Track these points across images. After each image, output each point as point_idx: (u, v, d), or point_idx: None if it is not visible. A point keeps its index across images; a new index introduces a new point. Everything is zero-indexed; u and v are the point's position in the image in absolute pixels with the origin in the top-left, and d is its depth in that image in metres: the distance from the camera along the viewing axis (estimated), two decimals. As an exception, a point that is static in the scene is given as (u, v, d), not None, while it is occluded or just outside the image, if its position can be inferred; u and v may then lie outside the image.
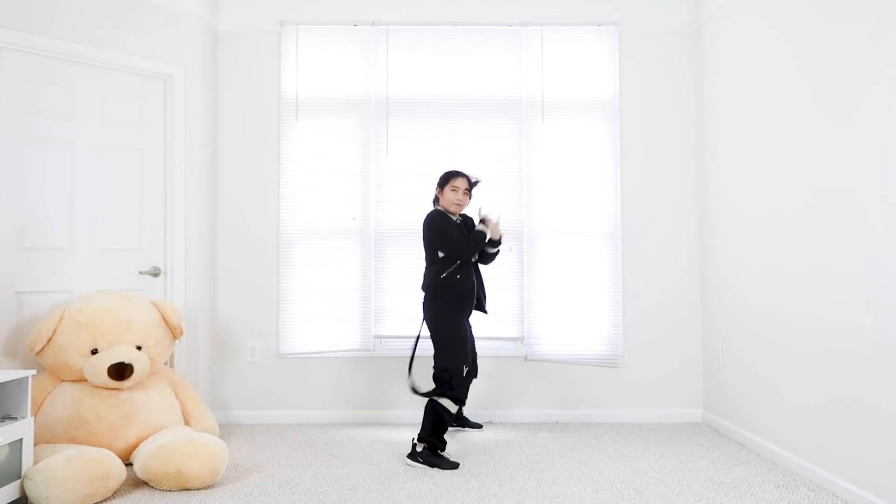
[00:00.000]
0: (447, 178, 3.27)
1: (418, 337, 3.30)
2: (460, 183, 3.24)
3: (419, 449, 3.08)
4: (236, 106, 3.98)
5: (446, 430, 3.11)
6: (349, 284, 3.92)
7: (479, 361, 3.52)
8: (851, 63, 2.53)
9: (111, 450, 2.78)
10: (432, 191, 3.34)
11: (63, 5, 3.22)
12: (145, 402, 2.97)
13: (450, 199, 3.24)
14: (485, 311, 3.34)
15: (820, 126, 2.72)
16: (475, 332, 3.38)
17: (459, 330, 3.15)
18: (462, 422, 3.65)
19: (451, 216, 3.25)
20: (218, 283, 3.94)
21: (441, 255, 3.18)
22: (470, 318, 3.28)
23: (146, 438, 2.90)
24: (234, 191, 3.97)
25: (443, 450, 3.10)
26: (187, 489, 2.68)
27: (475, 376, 3.33)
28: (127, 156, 3.46)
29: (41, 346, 2.86)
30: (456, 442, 3.44)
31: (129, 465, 2.85)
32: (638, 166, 3.98)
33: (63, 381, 2.95)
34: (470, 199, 3.30)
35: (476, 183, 3.31)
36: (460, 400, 3.12)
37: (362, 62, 3.99)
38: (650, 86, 4.00)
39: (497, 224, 3.26)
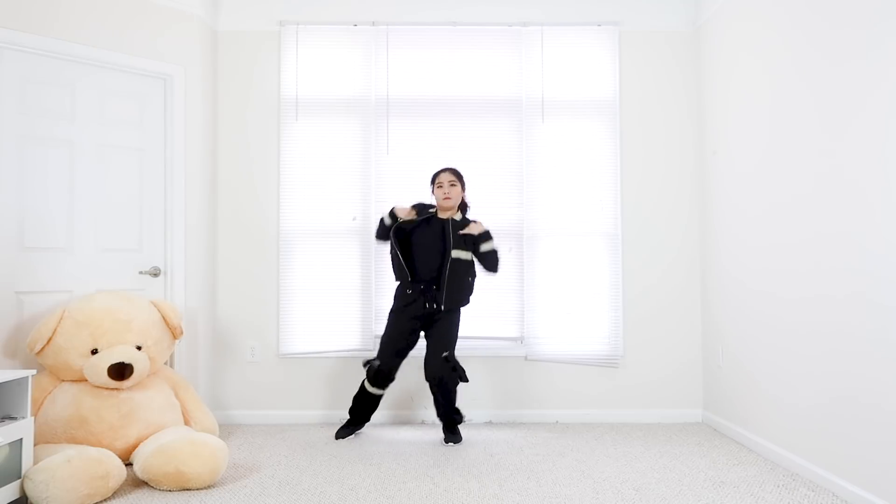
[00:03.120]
0: (432, 180, 3.52)
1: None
2: (443, 178, 3.45)
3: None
4: (236, 106, 3.98)
5: (352, 406, 3.56)
6: (349, 284, 3.93)
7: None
8: (851, 64, 2.53)
9: (111, 450, 2.78)
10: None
11: (64, 6, 3.22)
12: (145, 402, 2.97)
13: (437, 196, 3.45)
14: (435, 307, 3.43)
15: (819, 125, 2.72)
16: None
17: (391, 324, 3.47)
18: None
19: (438, 211, 3.47)
20: (218, 283, 3.94)
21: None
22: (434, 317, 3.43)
23: (146, 438, 2.90)
24: (234, 191, 3.97)
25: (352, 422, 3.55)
26: (187, 489, 2.68)
27: (385, 371, 3.43)
28: (127, 156, 3.46)
29: (41, 346, 2.86)
30: (453, 443, 3.44)
31: (129, 465, 2.85)
32: (638, 166, 3.98)
33: (63, 380, 2.95)
34: (461, 188, 3.47)
35: (458, 174, 3.49)
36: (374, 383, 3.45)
37: (362, 62, 3.99)
38: (650, 86, 4.00)
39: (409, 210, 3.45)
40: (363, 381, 3.48)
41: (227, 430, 3.74)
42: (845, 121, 2.56)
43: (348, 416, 3.56)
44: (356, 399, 3.52)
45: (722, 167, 3.63)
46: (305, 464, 3.08)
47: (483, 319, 3.88)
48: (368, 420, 3.58)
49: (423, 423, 3.89)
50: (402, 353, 3.44)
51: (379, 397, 3.50)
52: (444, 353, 3.34)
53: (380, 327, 3.92)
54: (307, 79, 3.97)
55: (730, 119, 3.54)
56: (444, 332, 3.39)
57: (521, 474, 2.92)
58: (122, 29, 3.42)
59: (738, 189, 3.44)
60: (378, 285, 3.93)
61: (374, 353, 3.90)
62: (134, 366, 2.88)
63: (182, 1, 3.64)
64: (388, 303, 3.90)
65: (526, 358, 3.91)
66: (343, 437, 3.48)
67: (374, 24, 3.97)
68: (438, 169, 3.52)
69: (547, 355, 3.90)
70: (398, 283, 3.50)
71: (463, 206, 3.55)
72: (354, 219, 3.93)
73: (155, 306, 3.20)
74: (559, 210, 3.93)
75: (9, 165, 3.06)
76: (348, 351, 3.92)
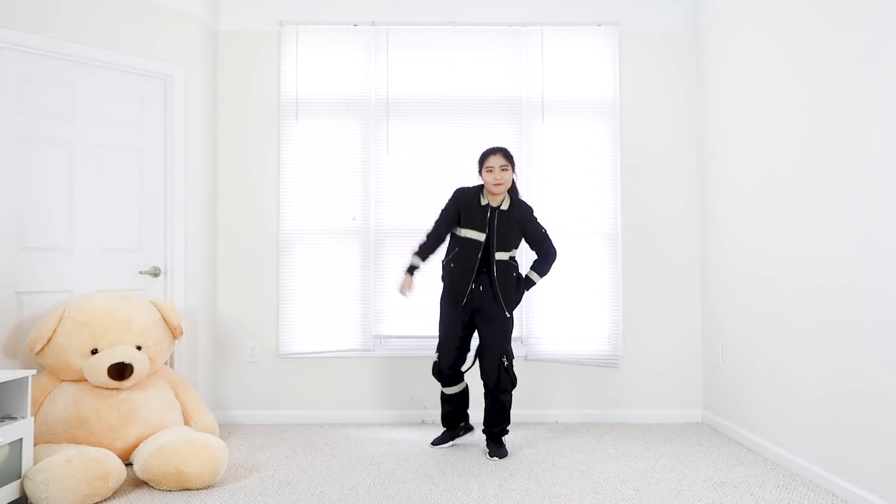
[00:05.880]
0: (482, 160, 3.20)
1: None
2: (494, 161, 3.13)
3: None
4: (236, 106, 3.98)
5: (444, 411, 3.38)
6: (349, 284, 3.92)
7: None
8: (851, 61, 2.53)
9: (111, 450, 2.78)
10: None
11: (64, 6, 3.22)
12: (145, 402, 2.97)
13: (488, 181, 3.16)
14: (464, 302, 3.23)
15: (817, 123, 2.72)
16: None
17: (444, 318, 3.27)
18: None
19: (486, 196, 3.21)
20: (218, 283, 3.94)
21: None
22: (490, 313, 3.21)
23: (146, 438, 2.90)
24: (234, 190, 3.97)
25: (446, 429, 3.41)
26: (187, 489, 2.68)
27: (450, 367, 3.27)
28: (127, 156, 3.46)
29: (41, 346, 2.86)
30: (457, 443, 3.44)
31: (129, 465, 2.85)
32: (638, 166, 3.98)
33: (63, 380, 2.95)
34: (512, 172, 3.18)
35: (510, 156, 3.19)
36: (438, 380, 3.33)
37: (362, 62, 3.99)
38: (650, 86, 4.00)
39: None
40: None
41: (227, 430, 3.74)
42: (846, 116, 2.56)
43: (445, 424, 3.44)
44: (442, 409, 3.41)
45: (722, 167, 3.63)
46: (305, 464, 3.08)
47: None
48: (463, 421, 3.44)
49: (423, 423, 3.89)
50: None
51: (455, 396, 3.34)
52: (502, 358, 3.23)
53: (380, 328, 3.93)
54: (307, 79, 3.97)
55: (730, 119, 3.54)
56: (499, 331, 3.24)
57: (521, 474, 2.92)
58: (122, 29, 3.42)
59: (738, 189, 3.44)
60: (378, 285, 3.93)
61: (374, 354, 3.92)
62: (134, 366, 2.88)
63: (182, 1, 3.64)
64: (388, 303, 3.92)
65: (526, 358, 3.91)
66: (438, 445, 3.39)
67: (374, 24, 3.97)
68: (488, 149, 3.21)
69: (547, 355, 3.90)
70: (446, 273, 3.27)
71: (513, 189, 3.27)
72: (354, 219, 3.93)
73: (155, 306, 3.20)
74: (559, 210, 3.93)
75: (9, 165, 3.06)
76: (348, 351, 3.92)
